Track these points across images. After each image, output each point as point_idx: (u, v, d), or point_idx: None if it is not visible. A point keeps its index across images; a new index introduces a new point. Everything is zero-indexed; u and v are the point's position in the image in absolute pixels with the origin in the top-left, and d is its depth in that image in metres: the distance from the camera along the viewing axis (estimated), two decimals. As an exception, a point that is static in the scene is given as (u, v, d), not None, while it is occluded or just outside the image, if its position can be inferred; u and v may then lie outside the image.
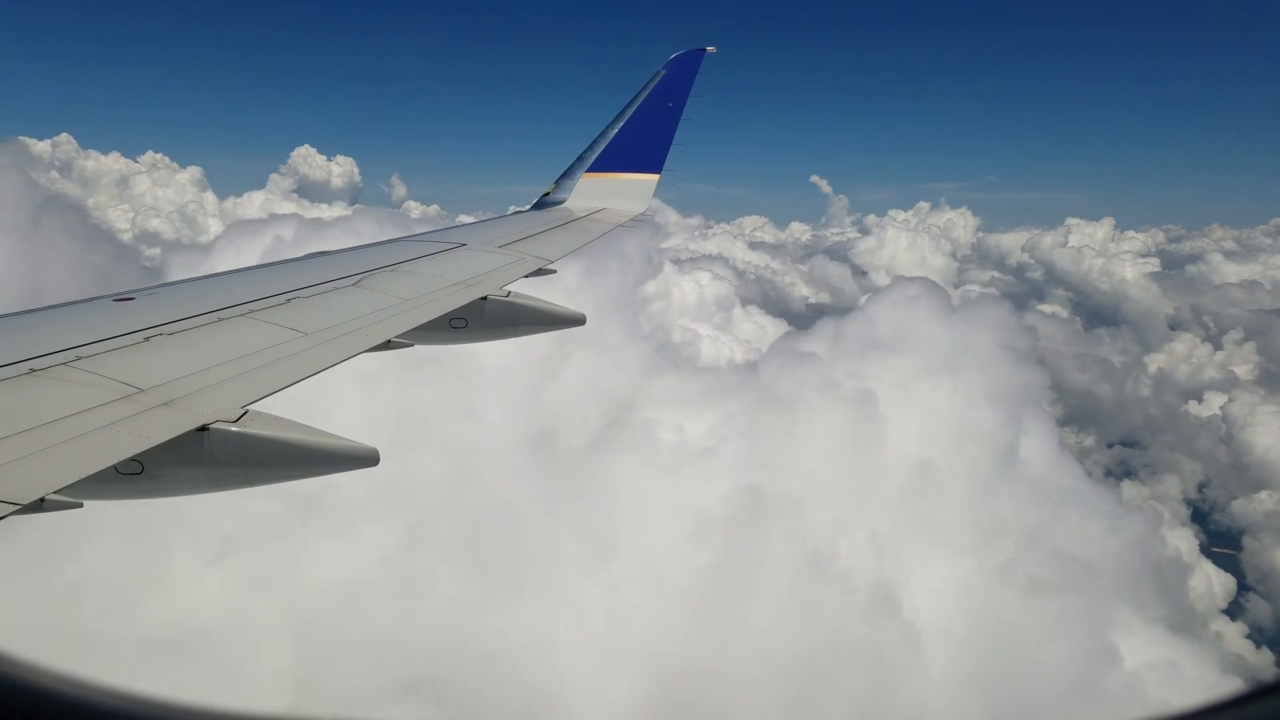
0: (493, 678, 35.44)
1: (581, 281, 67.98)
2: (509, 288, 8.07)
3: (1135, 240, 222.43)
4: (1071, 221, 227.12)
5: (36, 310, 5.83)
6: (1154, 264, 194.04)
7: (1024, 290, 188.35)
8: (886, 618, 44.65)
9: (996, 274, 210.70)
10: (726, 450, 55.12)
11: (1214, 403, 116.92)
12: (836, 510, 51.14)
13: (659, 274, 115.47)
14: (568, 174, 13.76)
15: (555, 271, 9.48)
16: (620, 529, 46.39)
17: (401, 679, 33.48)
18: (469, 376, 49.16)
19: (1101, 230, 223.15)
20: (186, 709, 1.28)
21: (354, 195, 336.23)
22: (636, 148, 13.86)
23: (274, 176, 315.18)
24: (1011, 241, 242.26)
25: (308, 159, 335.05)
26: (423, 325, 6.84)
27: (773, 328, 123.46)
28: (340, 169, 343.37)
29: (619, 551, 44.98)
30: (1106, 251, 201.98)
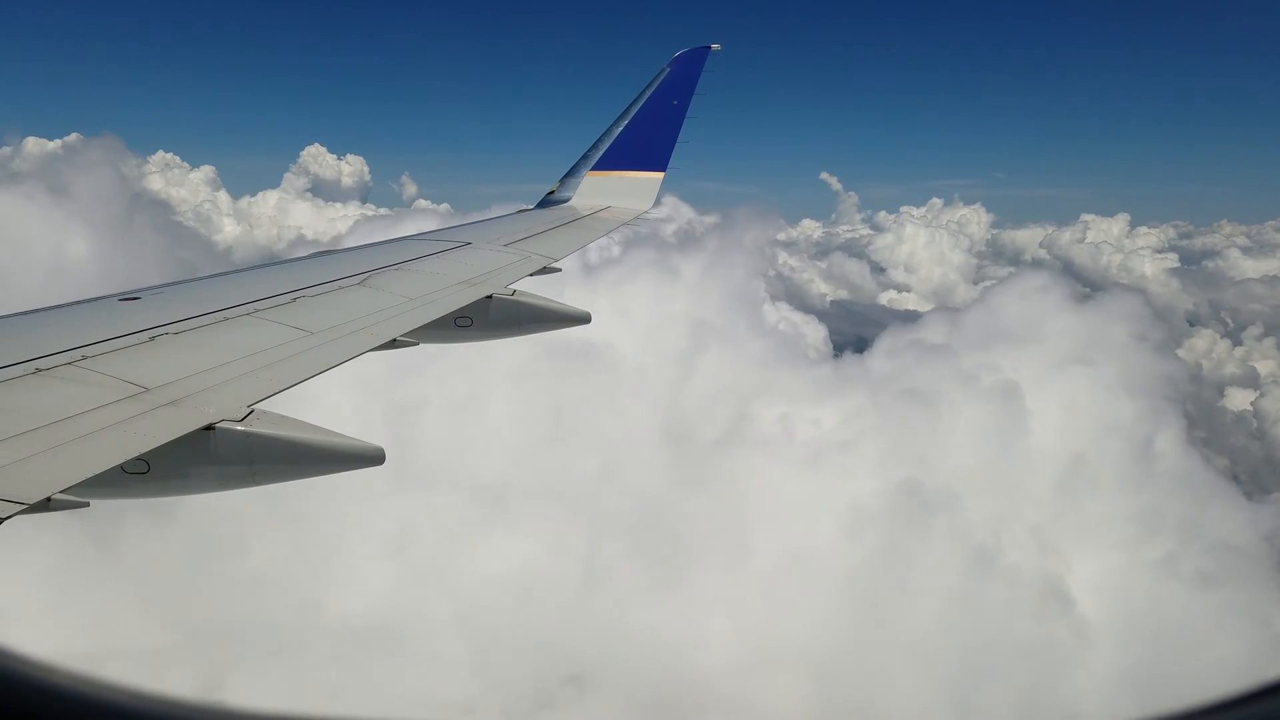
0: (648, 673, 35.44)
1: (702, 278, 68.53)
2: (514, 286, 8.09)
3: (1149, 236, 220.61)
4: (1087, 218, 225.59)
5: (43, 309, 5.87)
6: (1172, 259, 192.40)
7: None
8: (1059, 613, 43.94)
9: (1014, 270, 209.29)
10: (868, 444, 54.10)
11: (1235, 398, 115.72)
12: (993, 504, 50.13)
13: (775, 265, 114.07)
14: (572, 172, 13.68)
15: (560, 270, 9.49)
16: (771, 524, 45.80)
17: (558, 675, 33.82)
18: (609, 371, 49.39)
19: (1116, 226, 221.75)
20: (191, 707, 1.30)
21: (364, 194, 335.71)
22: (641, 146, 13.77)
23: (288, 175, 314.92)
24: (1025, 237, 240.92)
25: (318, 158, 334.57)
26: (428, 324, 6.84)
27: (803, 324, 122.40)
28: (350, 168, 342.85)
29: (771, 547, 44.47)
30: (1123, 247, 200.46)
